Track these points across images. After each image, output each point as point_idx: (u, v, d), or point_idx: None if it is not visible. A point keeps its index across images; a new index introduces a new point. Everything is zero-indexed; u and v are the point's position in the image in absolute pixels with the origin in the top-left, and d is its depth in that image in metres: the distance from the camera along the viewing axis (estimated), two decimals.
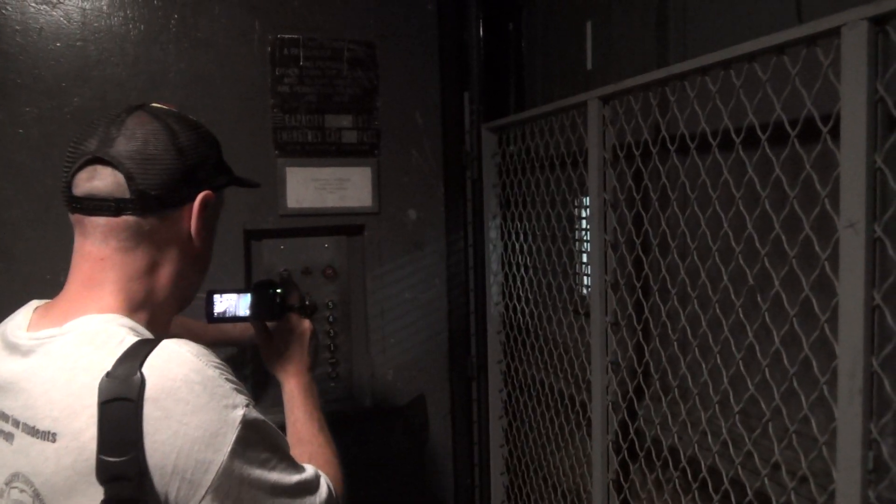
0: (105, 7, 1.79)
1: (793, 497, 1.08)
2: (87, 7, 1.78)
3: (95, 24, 1.78)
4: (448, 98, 2.13)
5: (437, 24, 2.10)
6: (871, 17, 0.88)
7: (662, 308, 1.37)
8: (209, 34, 1.87)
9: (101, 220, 0.89)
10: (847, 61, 0.91)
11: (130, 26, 1.81)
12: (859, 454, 0.92)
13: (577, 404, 1.70)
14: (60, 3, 1.76)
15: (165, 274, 0.95)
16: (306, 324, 1.26)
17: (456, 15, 2.16)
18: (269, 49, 1.92)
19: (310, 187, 1.97)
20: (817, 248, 1.00)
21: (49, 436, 0.80)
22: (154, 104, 0.97)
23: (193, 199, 0.95)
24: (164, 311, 0.97)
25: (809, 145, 1.02)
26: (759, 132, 1.09)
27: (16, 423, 0.84)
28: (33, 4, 1.74)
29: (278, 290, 1.24)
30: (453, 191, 2.15)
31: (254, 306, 1.23)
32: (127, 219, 0.89)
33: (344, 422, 1.92)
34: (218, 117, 1.83)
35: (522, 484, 2.05)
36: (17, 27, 1.73)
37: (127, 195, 0.88)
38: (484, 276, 2.15)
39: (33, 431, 0.81)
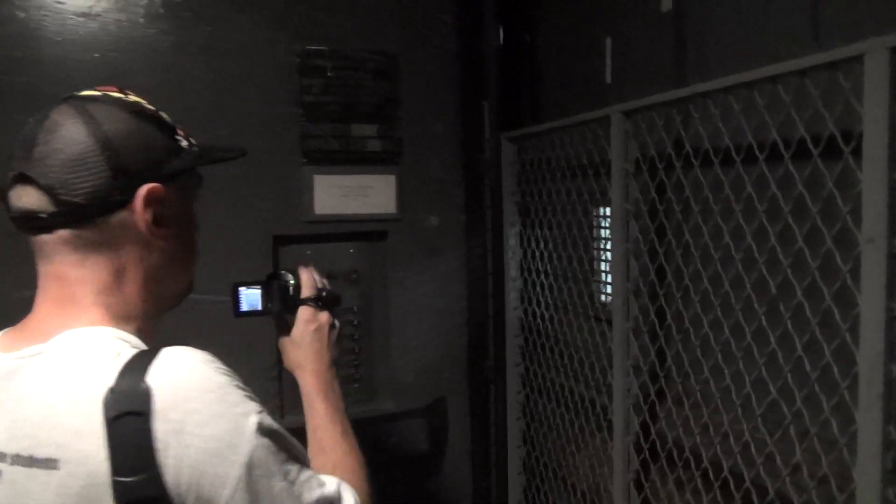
0: (141, 19, 1.85)
1: (814, 496, 1.14)
2: (123, 19, 1.84)
3: (130, 35, 1.84)
4: (467, 108, 2.20)
5: (457, 35, 2.16)
6: (892, 47, 0.94)
7: (685, 314, 1.43)
8: (237, 45, 1.93)
9: (43, 238, 0.81)
10: (870, 86, 0.97)
11: (162, 38, 1.87)
12: (879, 455, 0.98)
13: (598, 407, 1.76)
14: (98, 15, 1.81)
15: (133, 278, 0.86)
16: (324, 316, 1.16)
17: (474, 27, 2.21)
18: (297, 60, 1.98)
19: (335, 194, 2.03)
20: (839, 260, 1.06)
21: (50, 463, 0.71)
22: (87, 91, 0.86)
23: (132, 197, 0.83)
24: (149, 315, 0.89)
25: (831, 163, 1.08)
26: (783, 149, 1.15)
27: (1, 457, 0.74)
28: (71, 17, 1.80)
29: (290, 281, 1.16)
30: (472, 198, 2.21)
31: (266, 298, 1.16)
32: (62, 233, 0.81)
33: (366, 424, 1.99)
34: (246, 126, 1.89)
35: (540, 484, 2.11)
36: (57, 38, 1.78)
37: (52, 209, 0.79)
38: (503, 282, 2.21)
39: (29, 461, 0.73)
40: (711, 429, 1.37)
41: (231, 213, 1.89)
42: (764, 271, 1.22)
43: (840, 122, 1.06)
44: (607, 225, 1.79)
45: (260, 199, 1.95)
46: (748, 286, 1.25)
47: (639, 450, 1.57)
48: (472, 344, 2.21)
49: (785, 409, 1.18)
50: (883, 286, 0.97)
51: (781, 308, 1.18)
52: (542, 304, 2.02)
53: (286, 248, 2.01)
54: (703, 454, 1.39)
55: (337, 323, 1.19)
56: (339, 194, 2.03)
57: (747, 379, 1.26)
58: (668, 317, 1.49)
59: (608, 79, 1.91)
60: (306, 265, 1.20)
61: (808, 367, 1.13)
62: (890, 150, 0.96)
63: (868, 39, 0.97)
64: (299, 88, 1.99)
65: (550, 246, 1.99)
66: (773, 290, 1.20)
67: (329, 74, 2.01)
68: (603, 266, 1.87)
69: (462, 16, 2.16)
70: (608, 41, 1.88)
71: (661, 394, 1.57)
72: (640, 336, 1.57)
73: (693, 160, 1.38)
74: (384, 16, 2.07)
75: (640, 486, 1.59)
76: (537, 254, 2.05)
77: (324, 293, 1.18)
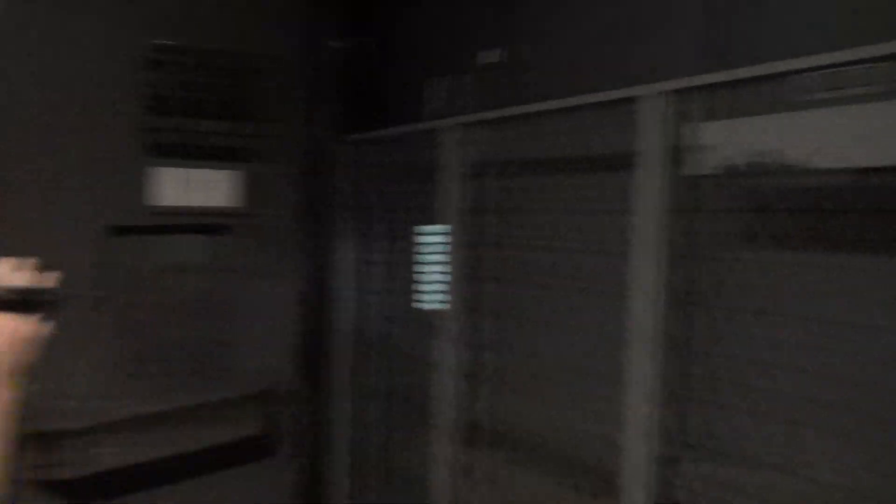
0: None
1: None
2: None
3: None
4: (312, 110, 2.33)
5: (306, 39, 2.29)
6: (664, 91, 1.29)
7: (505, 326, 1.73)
8: (82, 36, 1.88)
9: None
10: (643, 121, 1.32)
11: None
12: (647, 432, 1.33)
13: (424, 404, 1.99)
14: None
15: None
16: (8, 322, 1.02)
17: (322, 32, 2.35)
18: (144, 54, 1.98)
19: (178, 187, 2.05)
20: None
21: None
22: None
23: None
24: None
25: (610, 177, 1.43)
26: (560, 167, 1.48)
27: None
28: None
29: None
30: (314, 198, 2.35)
31: None
32: None
33: (200, 410, 2.06)
34: (85, 119, 1.86)
35: (368, 477, 2.29)
36: None
37: None
38: (335, 280, 2.37)
39: None
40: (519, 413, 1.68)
41: (68, 204, 1.85)
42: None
43: (625, 146, 1.41)
44: (436, 235, 2.03)
45: (103, 191, 1.92)
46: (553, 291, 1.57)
47: (462, 440, 1.84)
48: (304, 343, 2.34)
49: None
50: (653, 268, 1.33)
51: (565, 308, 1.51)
52: (374, 307, 2.22)
53: (123, 240, 2.00)
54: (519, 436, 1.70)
55: (44, 324, 1.05)
56: (183, 188, 2.06)
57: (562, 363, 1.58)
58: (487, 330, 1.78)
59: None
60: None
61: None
62: (662, 166, 1.31)
63: (643, 85, 1.33)
64: (146, 82, 1.99)
65: (384, 246, 2.20)
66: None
67: (178, 70, 2.04)
68: (433, 274, 2.09)
69: (311, 21, 2.30)
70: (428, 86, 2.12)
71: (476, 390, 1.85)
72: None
73: (513, 171, 1.68)
74: (239, 18, 2.14)
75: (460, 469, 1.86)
76: (372, 252, 2.25)
77: (18, 296, 1.03)
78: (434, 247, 2.04)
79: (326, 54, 2.37)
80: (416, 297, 2.12)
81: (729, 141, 1.21)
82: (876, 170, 1.11)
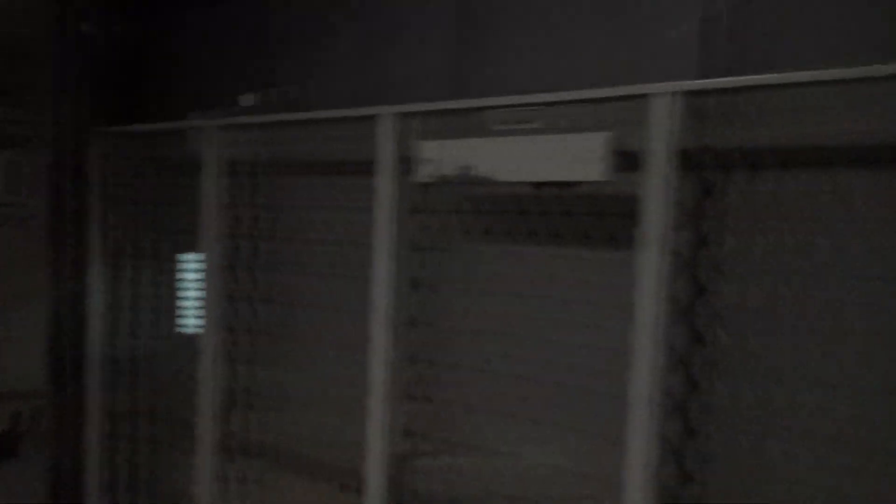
0: None
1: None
2: None
3: None
4: (64, 99, 2.27)
5: (58, 27, 2.24)
6: (395, 114, 1.60)
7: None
8: None
9: None
10: (381, 140, 1.62)
11: None
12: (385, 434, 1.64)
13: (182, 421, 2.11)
14: None
15: None
16: None
17: (76, 21, 2.30)
18: None
19: None
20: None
21: None
22: None
23: None
24: None
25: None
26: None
27: None
28: None
29: None
30: (68, 189, 2.29)
31: None
32: None
33: None
34: None
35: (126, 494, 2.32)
36: None
37: None
38: (92, 284, 2.33)
39: None
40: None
41: None
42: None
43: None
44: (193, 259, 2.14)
45: None
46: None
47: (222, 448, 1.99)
48: (56, 340, 2.28)
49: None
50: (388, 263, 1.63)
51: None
52: (126, 325, 2.27)
53: None
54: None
55: None
56: None
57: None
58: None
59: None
60: None
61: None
62: (395, 175, 1.61)
63: (381, 106, 1.62)
64: None
65: (142, 246, 2.25)
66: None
67: None
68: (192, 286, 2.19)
69: (70, 15, 2.25)
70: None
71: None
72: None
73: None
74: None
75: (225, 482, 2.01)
76: (127, 250, 2.28)
77: None
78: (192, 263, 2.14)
79: (80, 40, 2.31)
80: (177, 306, 2.22)
81: (443, 156, 1.55)
82: (547, 183, 1.51)
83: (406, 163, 1.63)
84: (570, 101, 1.43)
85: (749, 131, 1.27)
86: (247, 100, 2.03)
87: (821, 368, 1.22)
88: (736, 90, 1.26)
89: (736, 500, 1.30)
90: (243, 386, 2.00)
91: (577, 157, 1.39)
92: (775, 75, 1.21)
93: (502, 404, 1.58)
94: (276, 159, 1.89)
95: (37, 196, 2.21)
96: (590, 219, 1.47)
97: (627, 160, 1.35)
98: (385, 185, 1.64)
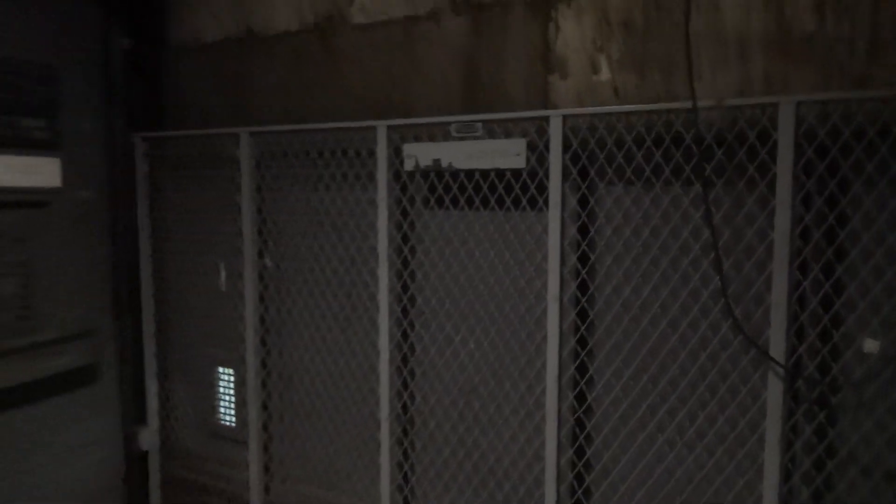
0: None
1: None
2: None
3: None
4: (112, 109, 2.96)
5: (104, 49, 2.92)
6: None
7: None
8: None
9: None
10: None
11: None
12: None
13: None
14: None
15: None
16: None
17: (119, 43, 2.99)
18: None
19: (8, 170, 2.59)
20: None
21: None
22: None
23: None
24: None
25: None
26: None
27: None
28: None
29: None
30: (118, 182, 3.00)
31: None
32: None
33: (28, 350, 2.67)
34: None
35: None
36: None
37: None
38: (138, 250, 3.07)
39: None
40: None
41: None
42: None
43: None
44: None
45: None
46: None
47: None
48: (116, 291, 3.01)
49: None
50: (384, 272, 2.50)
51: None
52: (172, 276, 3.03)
53: None
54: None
55: None
56: (11, 171, 2.60)
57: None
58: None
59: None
60: None
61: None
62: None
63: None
64: None
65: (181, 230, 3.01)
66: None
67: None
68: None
69: (112, 31, 2.94)
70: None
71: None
72: None
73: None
74: (44, 28, 2.70)
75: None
76: (169, 231, 3.03)
77: None
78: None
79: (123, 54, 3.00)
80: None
81: (420, 153, 2.42)
82: (488, 170, 2.41)
83: (396, 157, 2.48)
84: (501, 119, 2.32)
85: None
86: None
87: None
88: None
89: None
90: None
91: (507, 153, 2.30)
92: None
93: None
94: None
95: (90, 188, 2.91)
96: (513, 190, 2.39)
97: (537, 155, 2.28)
98: (381, 173, 2.49)
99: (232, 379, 3.03)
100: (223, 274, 2.97)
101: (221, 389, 3.06)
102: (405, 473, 2.71)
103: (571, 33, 2.32)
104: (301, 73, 2.83)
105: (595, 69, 2.29)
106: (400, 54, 2.63)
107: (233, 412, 3.04)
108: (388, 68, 2.65)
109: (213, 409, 3.08)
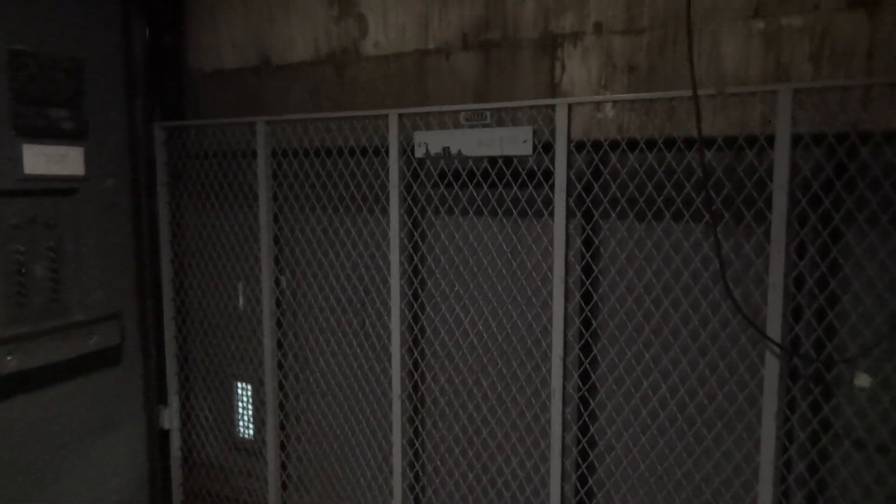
0: None
1: None
2: None
3: None
4: (133, 99, 3.08)
5: (126, 42, 3.03)
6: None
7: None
8: None
9: None
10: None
11: None
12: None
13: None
14: None
15: None
16: None
17: (142, 38, 3.10)
18: (7, 57, 2.59)
19: (41, 159, 2.70)
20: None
21: None
22: None
23: None
24: None
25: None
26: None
27: None
28: None
29: None
30: (139, 169, 3.12)
31: None
32: None
33: (57, 332, 2.79)
34: None
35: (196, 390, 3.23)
36: None
37: None
38: (157, 233, 3.19)
39: None
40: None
41: None
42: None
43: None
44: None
45: None
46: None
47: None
48: (139, 275, 3.13)
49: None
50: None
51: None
52: (193, 265, 3.13)
53: (5, 199, 2.61)
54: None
55: None
56: (44, 160, 2.72)
57: None
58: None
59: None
60: None
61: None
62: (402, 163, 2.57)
63: (390, 109, 2.56)
64: (9, 78, 2.60)
65: (203, 217, 3.12)
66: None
67: (31, 69, 2.67)
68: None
69: (132, 25, 3.05)
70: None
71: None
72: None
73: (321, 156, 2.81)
74: (73, 23, 2.81)
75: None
76: (185, 219, 3.14)
77: None
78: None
79: (144, 48, 3.11)
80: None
81: (430, 141, 2.51)
82: (495, 157, 2.51)
83: (407, 144, 2.57)
84: (511, 107, 2.41)
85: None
86: None
87: None
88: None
89: None
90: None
91: (514, 140, 2.38)
92: None
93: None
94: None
95: (114, 176, 3.03)
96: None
97: (544, 144, 2.36)
98: (393, 160, 2.58)
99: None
100: (241, 299, 3.10)
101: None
102: (416, 450, 2.82)
103: (577, 72, 2.42)
104: (316, 100, 2.95)
105: (600, 107, 2.39)
106: (412, 85, 2.74)
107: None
108: (400, 98, 2.75)
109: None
